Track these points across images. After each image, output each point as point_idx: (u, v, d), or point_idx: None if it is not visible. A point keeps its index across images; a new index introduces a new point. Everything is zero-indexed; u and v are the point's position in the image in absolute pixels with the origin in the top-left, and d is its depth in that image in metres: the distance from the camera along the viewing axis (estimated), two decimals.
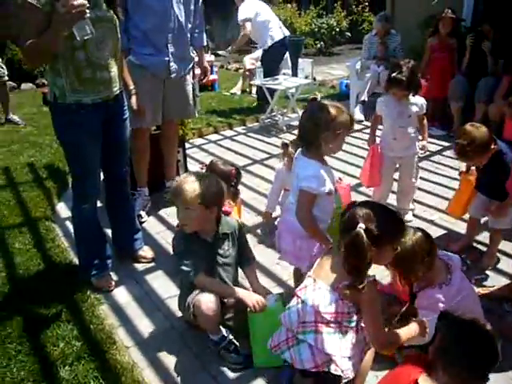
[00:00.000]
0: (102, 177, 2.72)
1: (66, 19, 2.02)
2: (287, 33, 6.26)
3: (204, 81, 3.78)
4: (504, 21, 4.77)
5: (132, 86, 2.91)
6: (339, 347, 1.65)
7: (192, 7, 3.27)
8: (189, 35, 3.31)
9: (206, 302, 2.07)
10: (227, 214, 2.87)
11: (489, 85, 4.76)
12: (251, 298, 2.11)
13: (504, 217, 2.65)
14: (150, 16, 3.05)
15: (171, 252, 2.99)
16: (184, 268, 2.14)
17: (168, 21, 3.10)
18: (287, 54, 7.24)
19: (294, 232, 2.19)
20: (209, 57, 7.66)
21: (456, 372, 1.45)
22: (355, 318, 1.68)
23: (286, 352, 1.73)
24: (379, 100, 3.26)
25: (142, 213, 3.43)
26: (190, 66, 3.41)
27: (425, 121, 3.29)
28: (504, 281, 2.64)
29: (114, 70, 2.41)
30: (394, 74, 2.97)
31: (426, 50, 5.37)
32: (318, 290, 1.70)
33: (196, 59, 3.61)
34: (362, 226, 1.59)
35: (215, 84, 7.68)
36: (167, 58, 3.17)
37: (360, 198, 3.54)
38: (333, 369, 1.64)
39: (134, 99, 2.93)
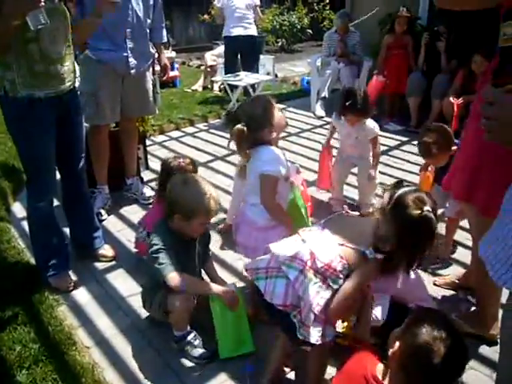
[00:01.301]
0: (58, 174, 2.65)
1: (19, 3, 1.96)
2: (251, 32, 6.30)
3: (164, 78, 3.74)
4: (457, 22, 4.94)
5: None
6: (313, 299, 1.59)
7: (151, 2, 3.23)
8: (148, 31, 3.26)
9: (183, 298, 2.06)
10: None
11: (443, 81, 4.92)
12: (227, 294, 2.10)
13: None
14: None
15: (132, 250, 2.99)
16: (161, 265, 2.04)
17: (126, 15, 3.04)
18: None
19: (250, 224, 2.23)
20: (170, 53, 7.59)
21: (410, 381, 1.38)
22: (341, 281, 1.63)
23: (261, 280, 1.68)
24: (334, 115, 3.33)
25: (102, 211, 3.36)
26: (150, 62, 3.37)
27: (376, 149, 3.31)
28: (459, 269, 2.74)
29: (68, 64, 2.35)
30: (348, 103, 3.02)
31: (382, 47, 5.50)
32: (323, 238, 1.69)
33: (156, 55, 3.57)
34: (429, 209, 1.57)
35: (176, 80, 7.61)
36: (126, 54, 3.12)
37: (316, 193, 3.64)
38: (295, 317, 1.60)
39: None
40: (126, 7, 3.02)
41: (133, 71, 3.18)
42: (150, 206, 3.40)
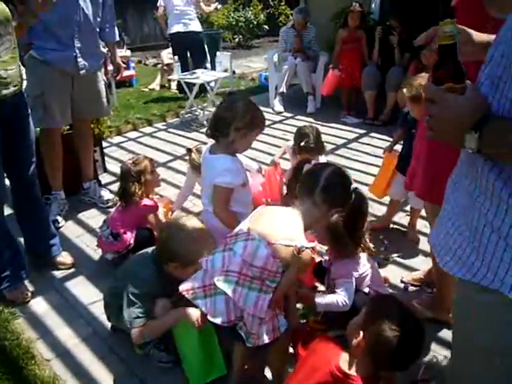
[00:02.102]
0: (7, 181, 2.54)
1: None
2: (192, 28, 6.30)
3: (118, 78, 3.65)
4: (408, 16, 5.05)
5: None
6: (256, 306, 1.57)
7: (100, 0, 3.13)
8: (98, 30, 3.17)
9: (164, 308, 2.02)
10: (153, 209, 2.82)
11: (397, 74, 5.03)
12: (193, 315, 1.93)
13: None
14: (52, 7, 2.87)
15: (92, 256, 2.91)
16: (130, 313, 1.97)
17: (73, 13, 2.94)
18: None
19: (215, 231, 2.14)
20: (124, 52, 7.44)
21: (378, 367, 1.49)
22: (279, 279, 1.61)
23: (200, 299, 1.63)
24: (290, 145, 3.35)
25: (59, 218, 3.25)
26: (101, 62, 3.27)
27: None
28: (421, 258, 2.81)
29: (13, 68, 2.25)
30: (302, 144, 3.06)
31: (336, 42, 5.56)
32: (251, 241, 1.61)
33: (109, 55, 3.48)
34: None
35: (133, 80, 7.46)
36: (74, 54, 3.01)
37: None
38: (240, 329, 1.60)
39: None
40: (72, 5, 2.92)
41: (82, 71, 3.08)
42: (111, 210, 3.34)
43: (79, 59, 3.04)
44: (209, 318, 1.62)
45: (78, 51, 3.02)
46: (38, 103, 2.94)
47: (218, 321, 1.60)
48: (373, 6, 6.07)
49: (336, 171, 1.76)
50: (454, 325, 1.20)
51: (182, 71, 6.17)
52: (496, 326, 1.00)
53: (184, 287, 1.69)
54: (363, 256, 2.20)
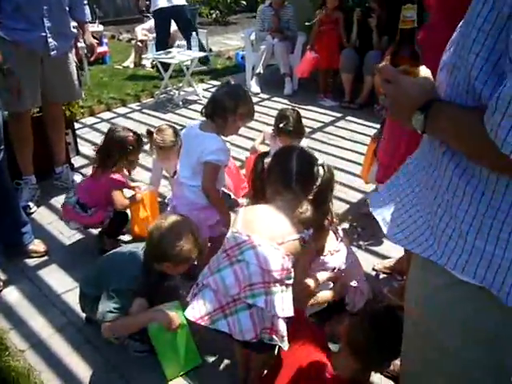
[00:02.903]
0: None
1: None
2: (176, 2, 6.19)
3: (92, 59, 3.54)
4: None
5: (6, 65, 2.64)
6: (282, 308, 1.53)
7: None
8: (67, 9, 3.06)
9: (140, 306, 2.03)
10: (122, 185, 2.75)
11: (374, 58, 5.01)
12: (167, 318, 1.97)
13: None
14: None
15: (65, 244, 2.88)
16: (104, 307, 1.96)
17: None
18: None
19: (189, 205, 2.28)
20: (97, 27, 7.21)
21: (363, 360, 1.56)
22: (293, 273, 1.59)
23: (221, 321, 1.51)
24: (269, 132, 3.33)
25: (30, 203, 3.19)
26: (72, 42, 3.17)
27: None
28: (392, 245, 2.86)
29: None
30: (281, 125, 3.05)
31: (314, 23, 5.51)
32: (259, 247, 1.54)
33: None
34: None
35: (106, 57, 7.26)
36: (44, 34, 2.91)
37: None
38: (272, 338, 1.53)
39: (10, 80, 2.67)
40: None
41: (53, 53, 2.98)
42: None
43: (49, 40, 2.94)
44: (235, 337, 1.51)
45: (48, 31, 2.92)
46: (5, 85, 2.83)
47: (248, 338, 1.50)
48: None
49: (301, 156, 1.78)
50: (405, 311, 1.23)
51: (160, 49, 6.04)
52: (435, 306, 1.06)
53: (195, 315, 1.55)
54: (345, 248, 2.22)
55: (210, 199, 2.26)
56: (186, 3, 6.68)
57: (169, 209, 2.46)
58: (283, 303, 1.53)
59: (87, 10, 3.32)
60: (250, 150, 3.43)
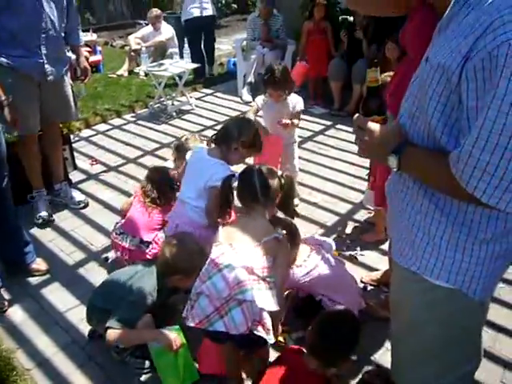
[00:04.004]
0: None
1: None
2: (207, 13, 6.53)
3: (85, 81, 3.64)
4: None
5: (3, 97, 2.75)
6: (268, 302, 1.76)
7: (64, 3, 3.11)
8: (63, 34, 3.16)
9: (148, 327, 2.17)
10: None
11: (363, 67, 5.13)
12: (169, 340, 2.07)
13: None
14: (18, 15, 2.85)
15: (66, 261, 2.99)
16: (116, 316, 2.10)
17: (39, 20, 2.92)
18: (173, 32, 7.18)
19: (192, 224, 2.39)
20: (91, 36, 7.28)
21: (324, 359, 1.83)
22: (273, 272, 1.83)
23: (217, 322, 1.74)
24: (260, 97, 3.40)
25: (44, 213, 3.35)
26: (67, 66, 3.28)
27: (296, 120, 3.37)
28: (380, 257, 3.00)
29: None
30: (266, 77, 3.18)
31: (302, 33, 5.62)
32: (241, 252, 1.80)
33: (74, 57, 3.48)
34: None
35: (100, 65, 7.33)
36: (41, 60, 3.01)
37: None
38: (260, 330, 1.74)
39: (6, 110, 2.78)
40: (38, 11, 2.90)
41: (50, 78, 3.08)
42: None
43: (46, 66, 3.04)
44: (231, 332, 1.73)
45: (44, 58, 3.02)
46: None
47: (241, 330, 1.72)
48: None
49: (261, 171, 1.98)
50: (390, 305, 1.48)
51: (195, 61, 6.34)
52: (415, 308, 1.31)
53: (195, 321, 1.78)
54: (315, 262, 2.36)
55: (210, 220, 2.36)
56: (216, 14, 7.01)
57: (170, 226, 2.55)
58: (268, 298, 1.77)
59: (81, 33, 3.43)
60: None
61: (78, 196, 3.62)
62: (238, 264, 1.76)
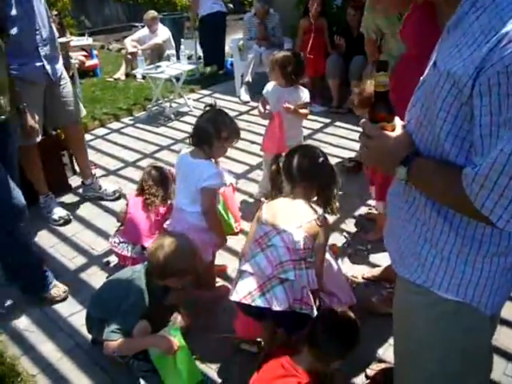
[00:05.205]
0: None
1: None
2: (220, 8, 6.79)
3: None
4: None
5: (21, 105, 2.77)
6: (309, 281, 1.88)
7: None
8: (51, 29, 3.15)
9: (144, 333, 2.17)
10: None
11: (359, 64, 5.13)
12: (166, 344, 2.09)
13: None
14: (18, 20, 2.84)
15: (69, 265, 2.99)
16: (112, 327, 2.09)
17: (32, 22, 2.91)
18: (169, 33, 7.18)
19: (191, 227, 2.38)
20: (87, 40, 7.27)
21: (321, 354, 1.82)
22: (313, 253, 1.93)
23: (260, 298, 1.84)
24: (267, 85, 3.40)
25: (62, 212, 3.41)
26: (62, 62, 3.30)
27: (305, 110, 3.34)
28: (381, 254, 2.99)
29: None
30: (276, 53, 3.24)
31: (299, 31, 5.62)
32: (284, 233, 1.89)
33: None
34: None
35: (97, 69, 7.33)
36: (41, 63, 3.02)
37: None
38: (301, 309, 1.86)
39: (28, 117, 2.81)
40: (30, 13, 2.89)
41: (52, 78, 3.11)
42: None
43: (47, 67, 3.05)
44: (273, 309, 1.82)
45: (44, 59, 3.03)
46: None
47: (283, 308, 1.82)
48: None
49: (303, 153, 2.06)
50: (394, 323, 1.43)
51: (210, 58, 6.68)
52: (422, 322, 1.25)
53: (239, 297, 1.89)
54: None
55: (209, 221, 2.38)
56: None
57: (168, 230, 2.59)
58: (309, 277, 1.89)
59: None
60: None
61: (109, 187, 3.76)
62: (281, 244, 1.88)
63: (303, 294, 1.86)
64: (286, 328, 2.06)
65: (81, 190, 3.85)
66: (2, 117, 2.43)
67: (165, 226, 2.71)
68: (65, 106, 3.31)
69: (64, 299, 2.71)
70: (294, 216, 1.93)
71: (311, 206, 1.98)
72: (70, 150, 3.67)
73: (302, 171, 2.01)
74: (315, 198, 2.10)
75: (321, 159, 2.07)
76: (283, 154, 2.16)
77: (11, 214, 2.40)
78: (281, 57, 3.19)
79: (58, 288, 2.72)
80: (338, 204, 2.25)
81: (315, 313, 1.88)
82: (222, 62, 7.14)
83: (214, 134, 2.31)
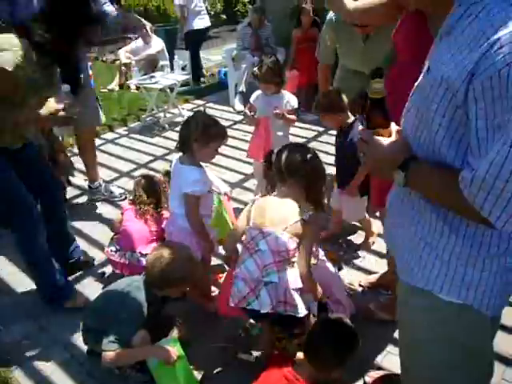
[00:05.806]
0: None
1: None
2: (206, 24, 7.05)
3: None
4: None
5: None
6: (292, 280, 1.92)
7: None
8: None
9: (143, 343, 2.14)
10: None
11: None
12: (165, 354, 2.07)
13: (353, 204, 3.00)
14: None
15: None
16: (110, 338, 2.07)
17: None
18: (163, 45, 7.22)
19: (182, 230, 2.43)
20: None
21: (319, 364, 1.84)
22: (297, 253, 1.96)
23: (254, 302, 1.92)
24: (255, 93, 3.41)
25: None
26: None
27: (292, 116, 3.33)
28: (376, 261, 3.00)
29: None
30: (254, 69, 3.29)
31: (291, 42, 5.66)
32: (269, 236, 1.93)
33: None
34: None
35: (91, 81, 7.31)
36: None
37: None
38: (284, 311, 1.91)
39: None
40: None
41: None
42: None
43: None
44: (262, 311, 1.90)
45: None
46: None
47: (266, 310, 1.89)
48: None
49: (291, 151, 2.05)
50: (399, 325, 1.43)
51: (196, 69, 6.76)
52: (425, 326, 1.24)
53: (234, 301, 1.98)
54: None
55: (190, 225, 2.39)
56: None
57: (166, 234, 2.67)
58: (292, 277, 1.92)
59: None
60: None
61: (116, 190, 3.85)
62: (266, 248, 1.93)
63: (286, 296, 1.90)
64: (281, 328, 2.12)
65: (75, 201, 3.83)
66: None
67: (163, 225, 2.76)
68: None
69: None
70: (281, 217, 1.96)
71: (299, 205, 1.99)
72: (85, 154, 3.78)
73: (289, 168, 2.01)
74: (305, 196, 2.08)
75: (308, 156, 2.06)
76: (275, 151, 2.16)
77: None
78: (265, 70, 3.20)
79: (78, 299, 2.73)
80: (326, 201, 2.29)
81: (301, 312, 1.92)
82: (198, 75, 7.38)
83: (191, 136, 2.31)
